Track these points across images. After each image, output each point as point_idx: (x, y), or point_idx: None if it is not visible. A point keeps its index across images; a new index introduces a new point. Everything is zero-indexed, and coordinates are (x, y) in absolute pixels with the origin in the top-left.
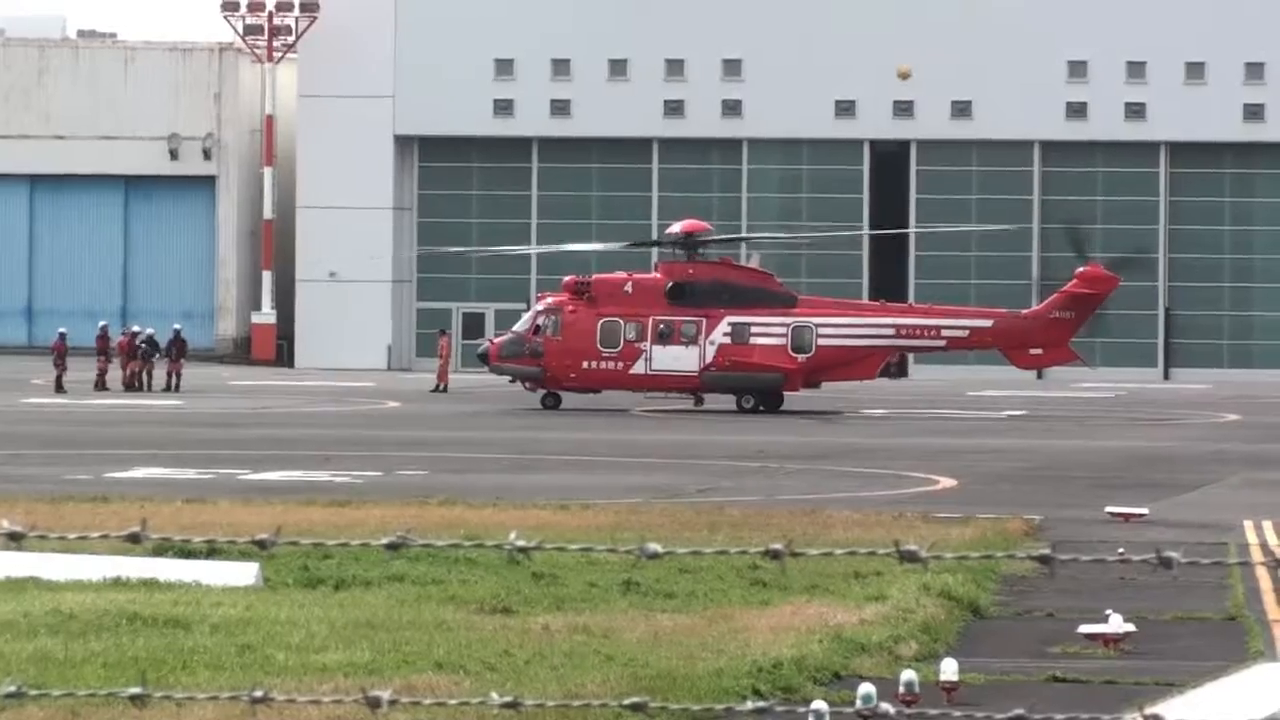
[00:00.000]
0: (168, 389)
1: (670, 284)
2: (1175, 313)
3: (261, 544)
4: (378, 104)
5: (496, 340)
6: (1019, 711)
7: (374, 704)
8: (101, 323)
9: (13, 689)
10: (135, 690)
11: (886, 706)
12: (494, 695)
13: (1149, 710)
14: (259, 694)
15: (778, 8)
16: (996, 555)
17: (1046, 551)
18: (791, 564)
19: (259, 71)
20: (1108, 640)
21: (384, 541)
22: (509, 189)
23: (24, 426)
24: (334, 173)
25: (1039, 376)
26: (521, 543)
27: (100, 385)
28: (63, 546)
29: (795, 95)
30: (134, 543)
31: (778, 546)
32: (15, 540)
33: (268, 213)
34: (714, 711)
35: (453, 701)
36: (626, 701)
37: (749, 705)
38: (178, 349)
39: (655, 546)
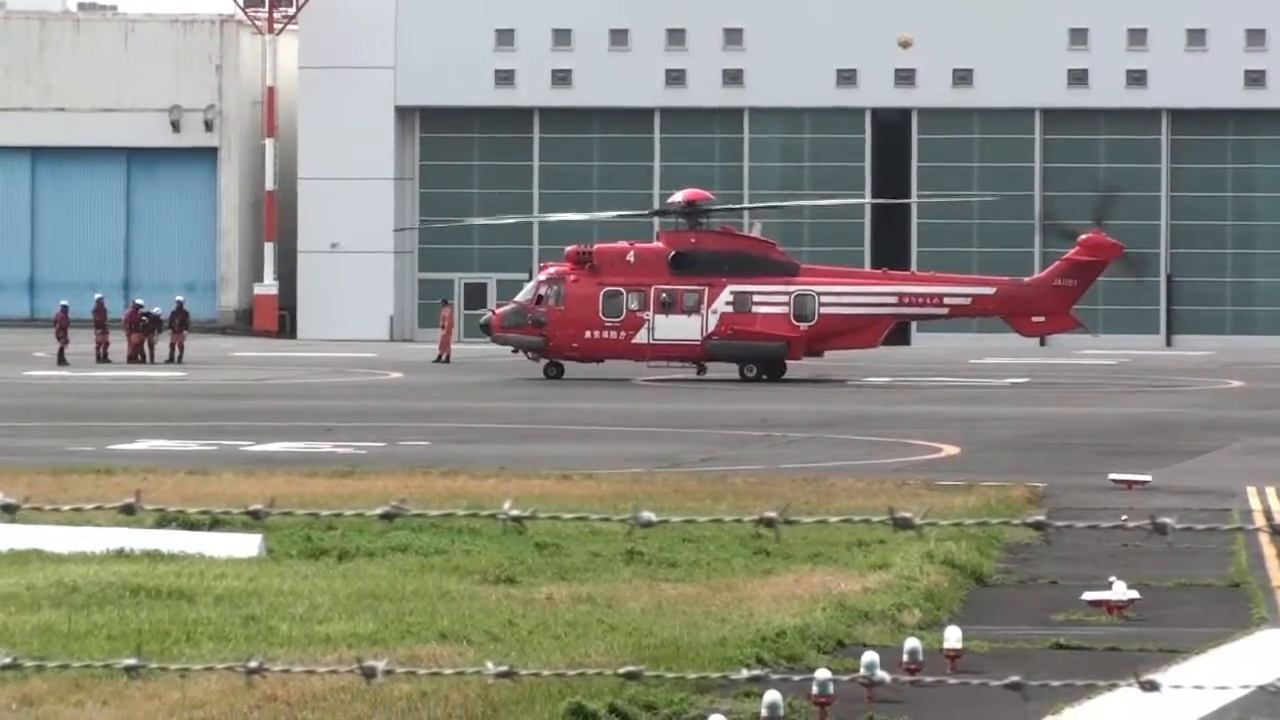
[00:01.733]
0: (171, 360)
1: (672, 253)
2: (1177, 279)
3: (255, 515)
4: (379, 75)
5: (499, 310)
6: (1015, 678)
7: (369, 674)
8: (97, 295)
9: (7, 660)
10: (130, 661)
11: (882, 674)
12: (489, 665)
13: (1145, 677)
14: (254, 664)
15: None
16: (991, 522)
17: (1040, 518)
18: (794, 533)
19: (260, 43)
20: (1111, 607)
21: (378, 512)
22: (510, 159)
23: (27, 399)
24: (335, 144)
25: (1042, 344)
26: (515, 512)
27: (101, 358)
28: (65, 519)
29: (796, 64)
30: (128, 514)
31: (771, 514)
32: (9, 512)
33: (269, 184)
34: (710, 680)
35: (448, 671)
36: (622, 670)
37: (744, 674)
38: (180, 320)
39: (649, 515)
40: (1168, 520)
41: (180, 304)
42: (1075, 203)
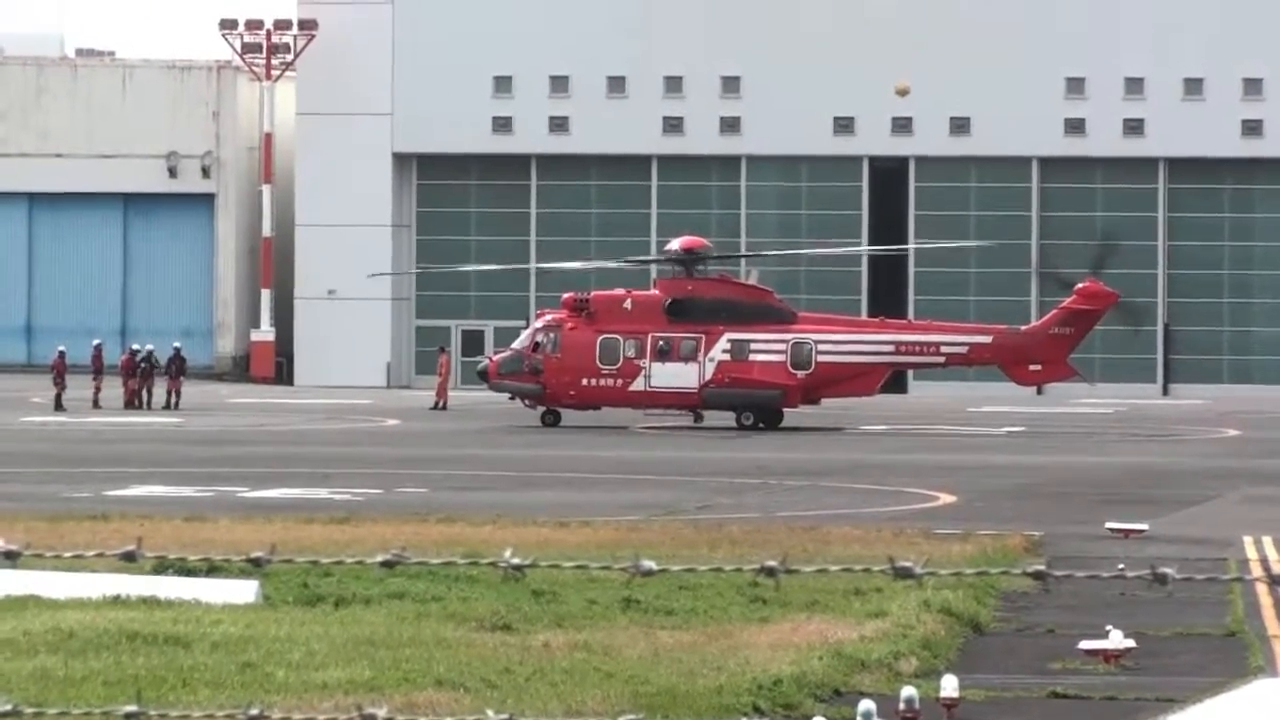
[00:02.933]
0: (167, 407)
1: (669, 301)
2: (1175, 329)
3: (256, 562)
4: (376, 121)
5: (496, 357)
6: None
7: None
8: (96, 341)
9: (8, 707)
10: (131, 709)
11: None
12: (490, 713)
13: None
14: (255, 712)
15: (776, 24)
16: (991, 571)
17: (1041, 567)
18: (791, 581)
19: (257, 89)
20: (1108, 656)
21: (379, 559)
22: (508, 206)
23: (23, 445)
24: (332, 190)
25: (1038, 392)
26: (516, 560)
27: (97, 404)
28: (63, 565)
29: (794, 112)
30: (129, 561)
31: (772, 564)
32: (10, 559)
33: (266, 230)
34: None
35: (446, 719)
36: (619, 718)
37: None
38: (177, 367)
39: (650, 563)
40: (1168, 570)
41: (177, 350)
42: (1072, 251)
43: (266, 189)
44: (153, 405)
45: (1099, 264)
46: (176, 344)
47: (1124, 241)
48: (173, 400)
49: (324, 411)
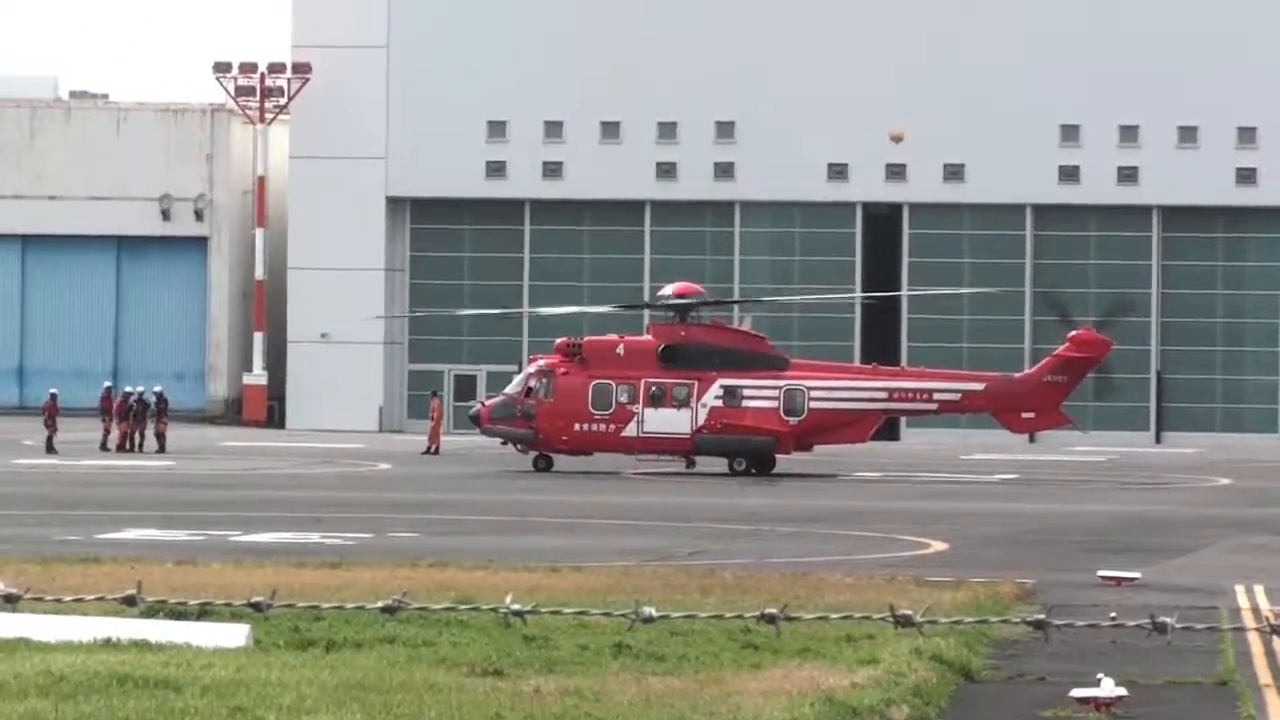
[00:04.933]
0: (160, 450)
1: (662, 346)
2: (1167, 376)
3: (257, 606)
4: (370, 165)
5: (488, 402)
6: None
7: None
8: (106, 384)
9: None
10: None
11: None
12: None
13: None
14: None
15: (770, 70)
16: (992, 620)
17: (1041, 617)
18: (783, 627)
19: (251, 132)
20: (1099, 704)
21: (380, 605)
22: (501, 251)
23: (14, 487)
24: (326, 234)
25: (1031, 440)
26: (517, 606)
27: (105, 446)
28: (54, 608)
29: (788, 158)
30: (129, 605)
31: (773, 611)
32: (10, 602)
33: (259, 274)
34: None
35: None
36: None
37: None
38: (160, 409)
39: (650, 610)
40: (1168, 620)
41: (159, 393)
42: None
43: (260, 232)
44: (144, 448)
45: (1110, 315)
46: (157, 388)
47: (1124, 290)
48: (159, 443)
49: (316, 455)
